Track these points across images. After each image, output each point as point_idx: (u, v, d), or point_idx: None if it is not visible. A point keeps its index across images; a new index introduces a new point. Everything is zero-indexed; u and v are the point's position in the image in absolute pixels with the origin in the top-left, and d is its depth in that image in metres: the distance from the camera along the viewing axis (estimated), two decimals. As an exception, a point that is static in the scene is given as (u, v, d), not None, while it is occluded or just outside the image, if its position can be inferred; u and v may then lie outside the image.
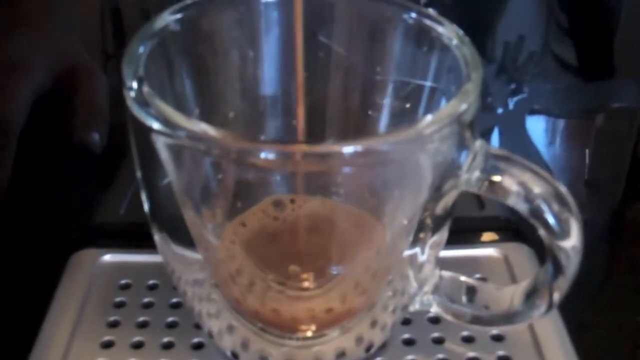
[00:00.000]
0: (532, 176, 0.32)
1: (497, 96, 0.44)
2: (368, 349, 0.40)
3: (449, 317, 0.39)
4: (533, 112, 0.45)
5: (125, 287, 0.45)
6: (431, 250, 0.38)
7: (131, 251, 0.47)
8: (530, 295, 0.36)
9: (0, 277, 0.49)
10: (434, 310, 0.39)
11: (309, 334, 0.39)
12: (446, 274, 0.39)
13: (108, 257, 0.47)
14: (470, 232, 0.48)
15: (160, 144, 0.31)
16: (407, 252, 0.38)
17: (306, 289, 0.36)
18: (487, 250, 0.48)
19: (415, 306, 0.39)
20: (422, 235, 0.37)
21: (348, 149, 0.29)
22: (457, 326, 0.41)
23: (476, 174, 0.33)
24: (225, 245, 0.36)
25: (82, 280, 0.45)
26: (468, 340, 0.42)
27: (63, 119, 0.51)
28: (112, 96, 0.49)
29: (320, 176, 0.33)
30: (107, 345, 0.41)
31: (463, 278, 0.39)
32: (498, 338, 0.42)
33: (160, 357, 0.40)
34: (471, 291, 0.39)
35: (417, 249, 0.38)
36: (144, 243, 0.45)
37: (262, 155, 0.28)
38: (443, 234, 0.38)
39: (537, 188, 0.32)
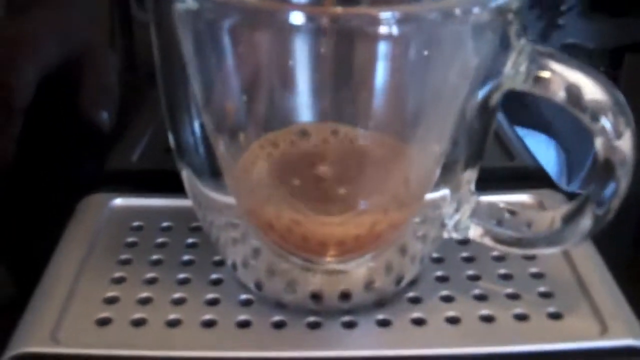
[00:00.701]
0: (582, 75, 0.30)
1: (531, 28, 0.42)
2: (398, 281, 0.37)
3: (487, 241, 0.36)
4: (566, 46, 0.43)
5: (138, 228, 0.43)
6: (469, 170, 0.36)
7: (144, 195, 0.45)
8: (575, 214, 0.33)
9: (11, 223, 0.47)
10: (472, 234, 0.36)
11: (337, 261, 0.36)
12: (484, 199, 0.37)
13: (119, 201, 0.45)
14: (501, 180, 0.46)
15: (183, 23, 0.29)
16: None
17: (336, 202, 0.33)
18: (521, 197, 0.45)
19: (450, 232, 0.37)
20: (458, 153, 0.35)
21: (385, 14, 0.27)
22: (493, 264, 0.39)
23: (522, 68, 0.31)
24: (250, 160, 0.34)
25: (92, 221, 0.43)
26: (505, 277, 0.39)
27: (72, 96, 0.51)
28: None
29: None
30: (118, 280, 0.38)
31: (502, 204, 0.37)
32: (537, 276, 0.39)
33: (176, 292, 0.37)
34: (511, 214, 0.36)
35: (454, 169, 0.35)
36: (157, 189, 0.43)
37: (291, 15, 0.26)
38: (480, 153, 0.35)
39: (589, 89, 0.30)
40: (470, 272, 0.39)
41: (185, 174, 0.37)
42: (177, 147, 0.36)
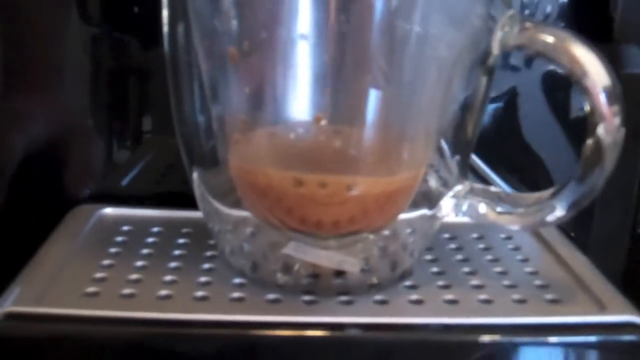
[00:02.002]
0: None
1: (516, 54, 0.45)
2: (394, 267, 0.37)
3: (485, 215, 0.36)
4: (550, 72, 0.46)
5: (128, 232, 0.42)
6: (459, 153, 0.37)
7: (134, 207, 0.44)
8: (562, 187, 0.34)
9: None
10: (469, 210, 0.36)
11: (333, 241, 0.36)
12: (478, 184, 0.37)
13: (109, 210, 0.44)
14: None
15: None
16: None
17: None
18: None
19: (447, 212, 0.37)
20: (450, 133, 0.36)
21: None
22: (489, 264, 0.39)
23: (514, 30, 0.33)
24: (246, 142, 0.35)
25: (81, 225, 0.42)
26: (502, 273, 0.39)
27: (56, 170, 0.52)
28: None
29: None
30: (108, 266, 0.37)
31: (494, 188, 0.37)
32: (533, 273, 0.39)
33: (167, 275, 0.37)
34: (502, 195, 0.37)
35: (445, 149, 0.36)
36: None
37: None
38: (474, 130, 0.36)
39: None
40: (466, 269, 0.39)
41: (187, 160, 0.37)
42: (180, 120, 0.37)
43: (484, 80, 0.35)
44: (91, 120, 0.50)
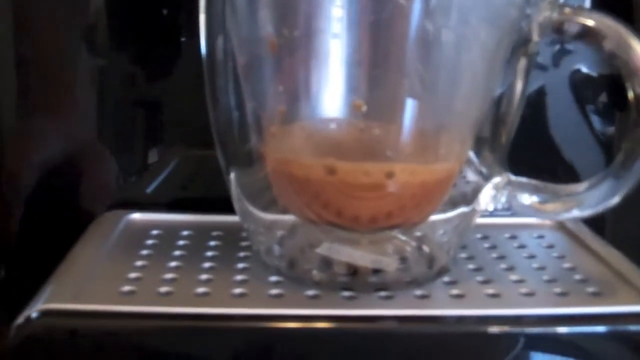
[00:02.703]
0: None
1: (543, 53, 0.45)
2: (430, 264, 0.37)
3: (529, 205, 0.36)
4: (577, 72, 0.46)
5: (157, 236, 0.41)
6: (499, 144, 0.36)
7: (162, 212, 0.44)
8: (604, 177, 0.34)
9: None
10: (510, 200, 0.36)
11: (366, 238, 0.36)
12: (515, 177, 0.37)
13: (137, 216, 0.44)
14: None
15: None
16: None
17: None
18: None
19: (486, 203, 0.36)
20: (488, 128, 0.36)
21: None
22: (527, 261, 0.39)
23: (554, 14, 0.33)
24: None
25: (110, 229, 0.42)
26: (540, 268, 0.38)
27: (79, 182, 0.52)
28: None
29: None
30: (141, 267, 0.37)
31: (532, 180, 0.37)
32: (571, 269, 0.38)
33: (202, 274, 0.36)
34: (540, 186, 0.36)
35: (484, 146, 0.36)
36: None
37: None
38: (513, 123, 0.36)
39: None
40: (503, 266, 0.38)
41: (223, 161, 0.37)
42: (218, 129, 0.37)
43: (521, 71, 0.35)
44: (115, 134, 0.49)
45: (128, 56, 0.48)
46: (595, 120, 0.47)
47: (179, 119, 0.49)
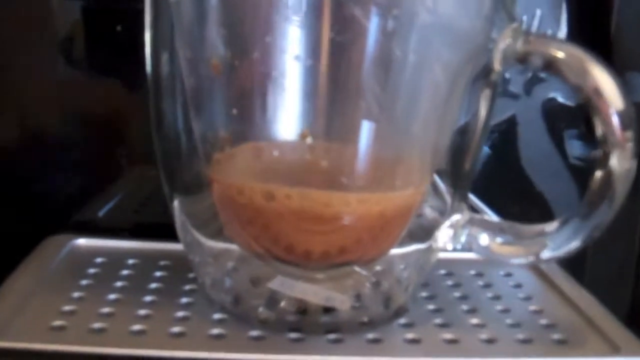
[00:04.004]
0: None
1: (515, 82, 0.43)
2: (387, 303, 0.34)
3: (488, 247, 0.33)
4: (550, 100, 0.44)
5: (101, 264, 0.39)
6: (460, 178, 0.34)
7: (110, 237, 0.41)
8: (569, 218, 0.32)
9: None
10: (469, 241, 0.34)
11: (321, 273, 0.34)
12: (477, 215, 0.35)
13: (83, 241, 0.41)
14: None
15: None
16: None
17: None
18: None
19: (444, 243, 0.34)
20: (450, 160, 0.34)
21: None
22: (489, 302, 0.37)
23: (518, 43, 0.30)
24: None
25: (52, 255, 0.39)
26: (504, 311, 0.36)
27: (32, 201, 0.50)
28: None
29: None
30: (78, 299, 0.34)
31: (494, 219, 0.35)
32: (537, 312, 0.36)
33: (141, 309, 0.34)
34: (503, 226, 0.34)
35: (443, 177, 0.34)
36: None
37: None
38: (475, 155, 0.34)
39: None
40: (465, 307, 0.36)
41: (167, 187, 0.35)
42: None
43: (484, 101, 0.32)
44: (69, 151, 0.47)
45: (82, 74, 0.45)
46: (572, 151, 0.45)
47: (136, 138, 0.46)
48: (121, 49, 0.44)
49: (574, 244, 0.30)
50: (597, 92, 0.28)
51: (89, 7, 0.44)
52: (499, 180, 0.45)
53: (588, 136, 0.45)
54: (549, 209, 0.45)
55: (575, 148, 0.45)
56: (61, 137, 0.47)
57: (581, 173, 0.45)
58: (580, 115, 0.44)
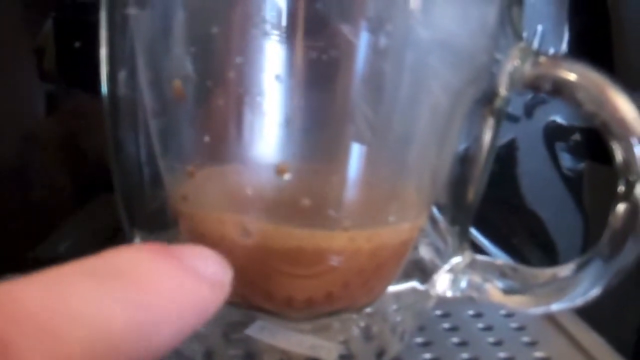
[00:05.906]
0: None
1: (516, 104, 0.40)
2: (380, 355, 0.30)
3: (490, 293, 0.30)
4: (552, 123, 0.40)
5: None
6: (460, 215, 0.31)
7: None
8: (588, 260, 0.28)
9: None
10: (470, 288, 0.30)
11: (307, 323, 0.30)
12: (480, 256, 0.31)
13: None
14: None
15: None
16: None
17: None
18: None
19: (443, 290, 0.31)
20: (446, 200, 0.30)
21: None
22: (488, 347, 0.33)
23: (527, 65, 0.27)
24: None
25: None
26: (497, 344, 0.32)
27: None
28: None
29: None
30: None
31: (499, 261, 0.31)
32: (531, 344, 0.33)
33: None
34: (512, 270, 0.30)
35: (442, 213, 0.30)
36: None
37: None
38: (477, 189, 0.30)
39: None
40: (465, 356, 0.33)
41: (127, 222, 0.31)
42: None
43: (488, 129, 0.29)
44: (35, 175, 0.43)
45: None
46: (572, 178, 0.42)
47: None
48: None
49: (594, 292, 0.27)
50: (617, 119, 0.25)
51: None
52: (497, 210, 0.41)
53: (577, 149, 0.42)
54: (551, 241, 0.42)
55: (565, 160, 0.42)
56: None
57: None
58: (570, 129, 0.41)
